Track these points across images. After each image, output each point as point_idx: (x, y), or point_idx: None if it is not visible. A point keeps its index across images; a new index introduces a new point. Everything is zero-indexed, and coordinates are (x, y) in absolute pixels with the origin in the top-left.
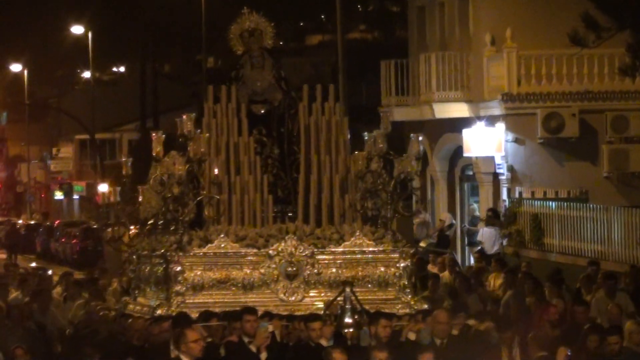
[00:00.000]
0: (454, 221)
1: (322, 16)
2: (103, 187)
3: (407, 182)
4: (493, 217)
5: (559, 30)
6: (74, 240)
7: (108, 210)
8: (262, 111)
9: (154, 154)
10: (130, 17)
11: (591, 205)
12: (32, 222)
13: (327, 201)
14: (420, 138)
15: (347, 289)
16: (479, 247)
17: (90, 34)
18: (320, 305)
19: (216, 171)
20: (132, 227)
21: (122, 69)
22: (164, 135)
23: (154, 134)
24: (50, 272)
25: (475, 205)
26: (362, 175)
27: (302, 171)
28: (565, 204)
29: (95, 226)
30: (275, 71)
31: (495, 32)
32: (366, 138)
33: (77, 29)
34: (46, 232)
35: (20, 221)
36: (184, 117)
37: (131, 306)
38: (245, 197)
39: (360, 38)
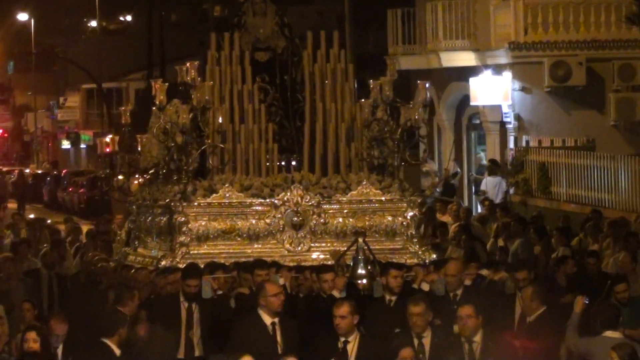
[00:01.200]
0: (458, 170)
1: None
2: (107, 137)
3: (414, 129)
4: (494, 167)
5: None
6: (81, 190)
7: (112, 160)
8: (265, 59)
9: (156, 102)
10: None
11: (598, 154)
12: (40, 172)
13: (333, 150)
14: (427, 85)
15: (360, 240)
16: (486, 196)
17: None
18: (327, 256)
19: (220, 120)
20: (137, 176)
21: (128, 18)
22: (166, 84)
23: (155, 83)
24: (49, 220)
25: (482, 154)
26: (368, 123)
27: (307, 120)
28: (572, 152)
29: (102, 175)
30: (278, 18)
31: None
32: (372, 86)
33: None
34: (53, 182)
35: (27, 170)
36: (188, 64)
37: (131, 257)
38: (250, 146)
39: None
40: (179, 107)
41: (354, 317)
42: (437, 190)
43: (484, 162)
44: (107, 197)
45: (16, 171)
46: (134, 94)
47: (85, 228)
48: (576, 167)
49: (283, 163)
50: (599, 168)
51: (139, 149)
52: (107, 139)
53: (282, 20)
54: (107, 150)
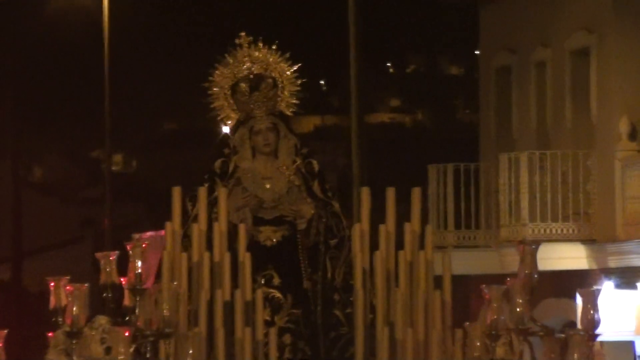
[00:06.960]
0: None
1: (322, 82)
2: None
3: None
4: None
5: None
6: None
7: None
8: (275, 240)
9: (67, 323)
10: None
11: None
12: None
13: None
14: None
15: None
16: None
17: None
18: None
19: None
20: None
21: None
22: (86, 285)
23: (55, 283)
24: None
25: None
26: None
27: (359, 359)
28: None
29: None
30: (300, 160)
31: (637, 115)
32: (487, 295)
33: None
34: None
35: None
36: (128, 247)
37: None
38: None
39: (390, 122)
40: (112, 333)
41: None
42: None
43: None
44: None
45: None
46: None
47: None
48: None
49: None
50: None
51: None
52: None
53: (308, 166)
54: None
